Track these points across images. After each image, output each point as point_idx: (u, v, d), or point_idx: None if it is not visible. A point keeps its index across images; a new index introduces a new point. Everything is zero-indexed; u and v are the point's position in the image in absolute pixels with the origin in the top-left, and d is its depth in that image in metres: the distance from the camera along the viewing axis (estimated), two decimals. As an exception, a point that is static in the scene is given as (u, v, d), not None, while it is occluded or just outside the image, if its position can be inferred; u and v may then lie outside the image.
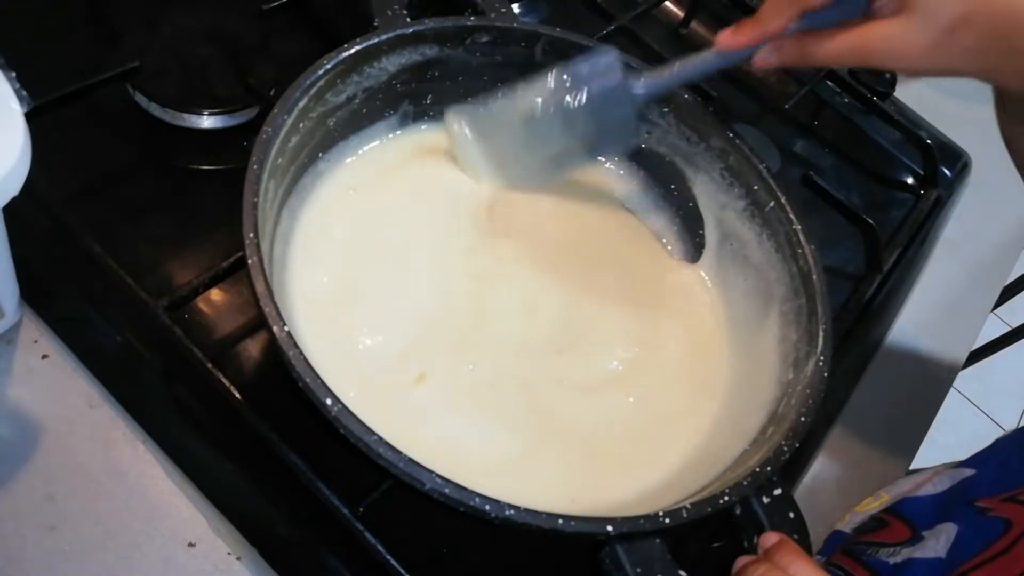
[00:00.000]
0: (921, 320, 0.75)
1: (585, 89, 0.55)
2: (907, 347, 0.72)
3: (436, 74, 0.59)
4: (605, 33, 0.76)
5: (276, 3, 0.65)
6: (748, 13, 0.87)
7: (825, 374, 0.50)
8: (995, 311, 0.91)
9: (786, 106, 0.81)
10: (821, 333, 0.52)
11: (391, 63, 0.56)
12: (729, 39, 0.51)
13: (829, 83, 0.86)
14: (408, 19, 0.56)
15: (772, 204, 0.58)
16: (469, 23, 0.58)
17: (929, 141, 0.83)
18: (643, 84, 0.56)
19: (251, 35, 0.65)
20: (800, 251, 0.56)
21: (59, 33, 0.62)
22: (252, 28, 0.65)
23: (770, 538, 0.44)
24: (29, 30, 0.60)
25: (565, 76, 0.55)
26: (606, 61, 0.56)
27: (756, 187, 0.59)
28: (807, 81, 0.85)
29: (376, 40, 0.54)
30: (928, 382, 0.72)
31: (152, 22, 0.62)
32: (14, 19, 0.60)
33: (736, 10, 0.88)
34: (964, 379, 0.96)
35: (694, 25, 0.88)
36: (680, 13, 0.89)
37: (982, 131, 0.89)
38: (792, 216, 0.57)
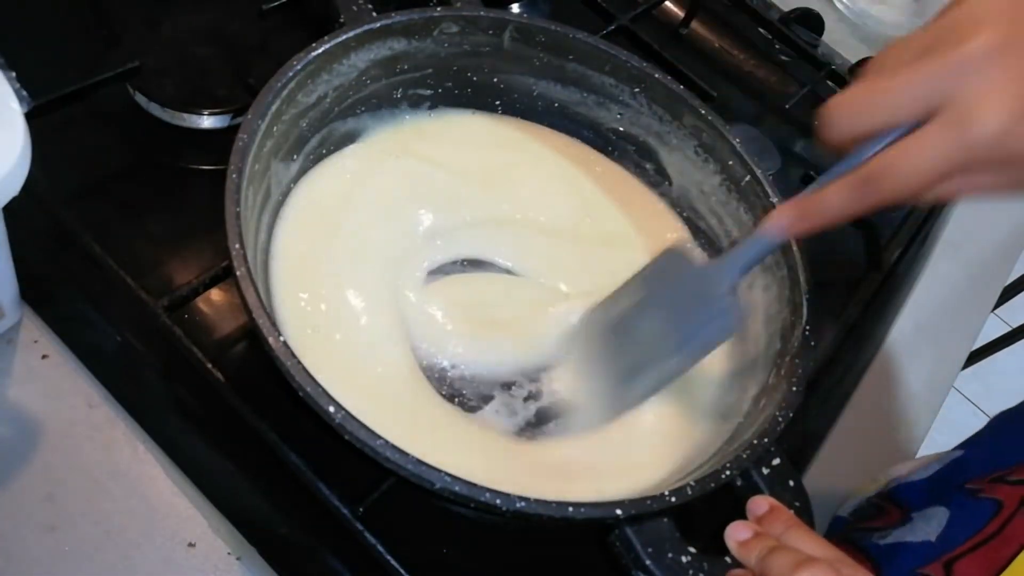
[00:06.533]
0: (921, 320, 0.75)
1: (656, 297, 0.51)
2: (907, 347, 0.72)
3: (405, 67, 0.59)
4: (605, 33, 0.75)
5: (276, 3, 0.65)
6: (749, 14, 0.87)
7: (812, 343, 0.50)
8: (995, 311, 0.91)
9: (786, 106, 0.81)
10: (805, 303, 0.52)
11: (360, 59, 0.55)
12: (793, 226, 0.45)
13: (829, 83, 0.86)
14: (374, 13, 0.55)
15: (748, 178, 0.58)
16: (435, 13, 0.57)
17: (929, 141, 0.83)
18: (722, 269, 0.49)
19: (251, 35, 0.65)
20: None
21: (59, 33, 0.62)
22: (252, 28, 0.65)
23: (760, 505, 0.43)
24: (29, 30, 0.60)
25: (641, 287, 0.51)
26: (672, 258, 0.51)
27: (731, 162, 0.59)
28: (807, 81, 0.85)
29: (344, 37, 0.53)
30: (928, 382, 0.72)
31: (152, 22, 0.62)
32: (14, 19, 0.60)
33: (737, 11, 0.88)
34: (964, 379, 0.96)
35: (694, 25, 0.88)
36: (680, 13, 0.89)
37: (982, 131, 0.90)
38: (768, 189, 0.57)
